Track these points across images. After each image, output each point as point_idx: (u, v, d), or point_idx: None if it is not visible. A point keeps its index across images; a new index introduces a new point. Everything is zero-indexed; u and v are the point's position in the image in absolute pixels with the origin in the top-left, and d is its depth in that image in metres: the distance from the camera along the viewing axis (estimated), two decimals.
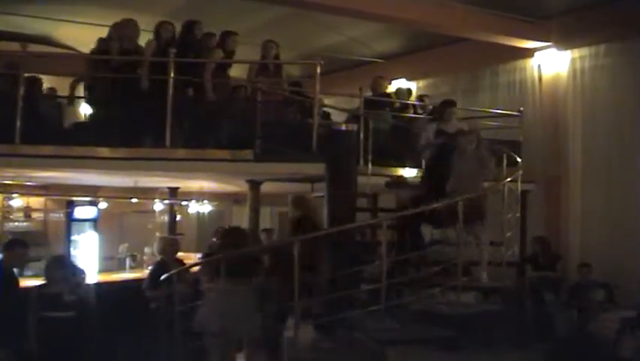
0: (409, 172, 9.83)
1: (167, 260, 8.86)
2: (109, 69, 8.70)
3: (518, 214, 8.96)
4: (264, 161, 8.31)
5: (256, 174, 9.21)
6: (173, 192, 12.59)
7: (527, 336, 10.96)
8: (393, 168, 9.80)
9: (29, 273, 10.10)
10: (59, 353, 7.10)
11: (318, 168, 8.14)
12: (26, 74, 8.65)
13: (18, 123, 7.94)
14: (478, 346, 9.15)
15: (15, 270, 7.70)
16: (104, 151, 8.36)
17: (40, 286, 7.50)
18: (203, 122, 8.64)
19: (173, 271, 8.05)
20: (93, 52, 9.04)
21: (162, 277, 8.26)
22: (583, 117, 12.10)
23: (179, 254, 9.61)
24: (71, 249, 13.10)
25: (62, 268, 7.63)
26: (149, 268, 12.36)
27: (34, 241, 13.60)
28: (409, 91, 12.86)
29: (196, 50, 8.85)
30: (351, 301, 7.29)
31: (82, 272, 9.51)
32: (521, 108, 11.77)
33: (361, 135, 8.91)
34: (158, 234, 14.17)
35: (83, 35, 9.94)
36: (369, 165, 9.00)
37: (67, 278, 7.62)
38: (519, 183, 8.67)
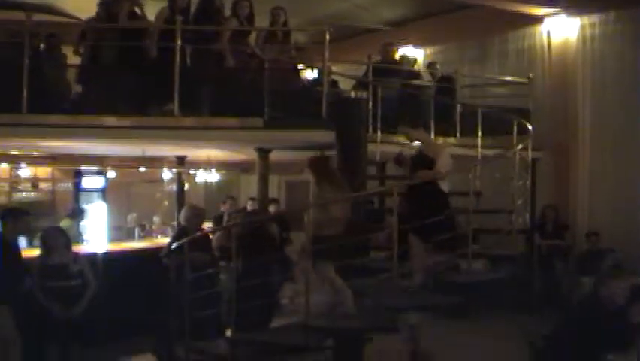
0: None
1: (188, 229, 8.71)
2: (116, 32, 8.61)
3: (529, 182, 8.94)
4: (274, 129, 8.26)
5: (265, 142, 9.17)
6: (181, 161, 12.56)
7: (537, 303, 11.04)
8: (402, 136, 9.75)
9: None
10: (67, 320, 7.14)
11: (327, 136, 8.11)
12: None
13: (24, 92, 7.87)
14: (488, 313, 9.23)
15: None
16: (111, 120, 8.31)
17: (42, 256, 7.47)
18: (216, 91, 8.57)
19: (184, 240, 8.03)
20: (99, 14, 8.93)
21: (173, 246, 8.25)
22: (592, 84, 12.03)
23: None
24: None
25: (62, 237, 7.61)
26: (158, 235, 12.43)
27: (42, 211, 13.66)
28: (414, 60, 12.79)
29: (213, 18, 8.77)
30: (362, 268, 7.28)
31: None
32: (530, 75, 11.70)
33: (370, 103, 8.85)
34: (166, 203, 14.19)
35: (85, 3, 9.81)
36: (379, 133, 8.95)
37: (68, 247, 7.61)
38: (529, 151, 8.62)
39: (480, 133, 9.16)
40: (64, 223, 11.67)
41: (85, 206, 13.05)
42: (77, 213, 11.96)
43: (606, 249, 11.09)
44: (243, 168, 14.68)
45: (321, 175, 7.59)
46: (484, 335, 9.00)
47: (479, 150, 9.07)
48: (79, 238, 11.28)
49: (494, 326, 9.14)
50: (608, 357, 5.81)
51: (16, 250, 7.59)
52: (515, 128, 9.14)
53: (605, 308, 6.15)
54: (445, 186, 7.41)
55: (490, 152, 8.92)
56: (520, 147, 8.15)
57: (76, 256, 7.68)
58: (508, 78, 12.10)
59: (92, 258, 8.65)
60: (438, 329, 9.04)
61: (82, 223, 11.93)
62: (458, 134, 10.14)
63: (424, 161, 7.45)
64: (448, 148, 7.38)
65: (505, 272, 8.56)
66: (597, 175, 11.97)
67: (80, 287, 7.43)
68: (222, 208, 11.24)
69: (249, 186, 13.66)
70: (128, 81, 8.51)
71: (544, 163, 11.85)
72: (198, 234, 8.29)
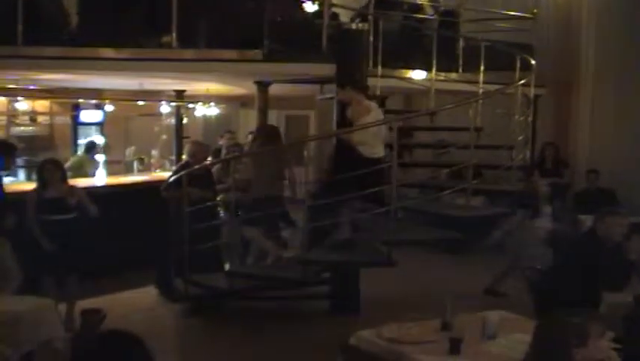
0: (419, 74, 9.65)
1: (191, 164, 8.61)
2: None
3: (530, 119, 8.87)
4: (273, 61, 8.14)
5: (264, 75, 9.06)
6: (180, 94, 12.46)
7: None
8: (404, 70, 9.63)
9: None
10: (63, 253, 7.14)
11: (327, 69, 8.02)
12: None
13: (20, 23, 7.72)
14: (485, 249, 9.25)
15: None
16: (109, 52, 8.19)
17: (37, 190, 7.40)
18: (214, 22, 8.43)
19: (180, 173, 8.01)
20: None
21: (170, 179, 8.23)
22: (597, 20, 11.87)
23: None
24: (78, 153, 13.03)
25: (58, 170, 7.53)
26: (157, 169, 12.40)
27: (41, 145, 13.60)
28: None
29: None
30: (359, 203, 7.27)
31: None
32: (535, 10, 11.48)
33: (371, 36, 8.70)
34: (164, 137, 14.11)
35: None
36: (379, 67, 8.82)
37: (65, 180, 7.55)
38: (532, 87, 8.53)
39: (482, 68, 9.04)
40: (77, 158, 11.62)
41: (96, 140, 12.94)
42: (91, 148, 11.92)
43: (605, 187, 11.09)
44: (243, 102, 14.58)
45: (269, 140, 7.80)
46: (481, 271, 9.03)
47: (480, 85, 8.96)
48: (94, 172, 11.25)
49: (491, 262, 9.15)
50: (605, 294, 5.82)
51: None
52: (518, 63, 9.01)
53: (602, 245, 6.15)
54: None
55: (492, 87, 8.81)
56: (521, 82, 8.06)
57: (73, 189, 7.61)
58: (512, 13, 11.87)
59: (89, 191, 8.61)
60: (434, 264, 9.09)
61: (96, 157, 11.86)
62: (460, 69, 10.00)
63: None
64: (372, 114, 7.27)
65: (503, 208, 8.58)
66: (599, 113, 11.90)
67: (76, 220, 7.40)
68: (220, 142, 11.17)
69: (248, 120, 13.58)
70: (126, 12, 8.37)
71: (546, 100, 11.75)
72: (197, 167, 8.25)
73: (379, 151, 7.21)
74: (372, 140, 7.11)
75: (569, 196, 11.74)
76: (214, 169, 9.17)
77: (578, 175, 11.91)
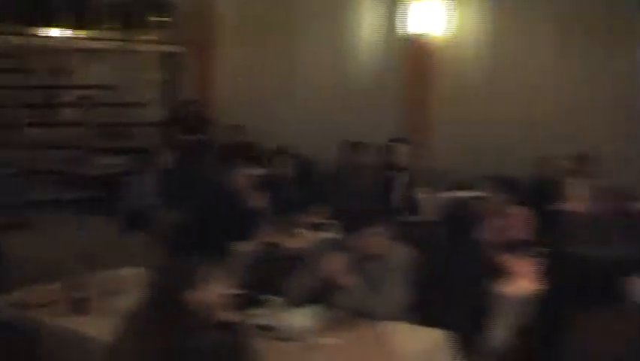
0: (43, 32, 9.16)
1: None
2: None
3: (165, 77, 8.89)
4: None
5: None
6: None
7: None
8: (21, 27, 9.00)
9: None
10: None
11: None
12: None
13: None
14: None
15: None
16: None
17: None
18: None
19: None
20: None
21: None
22: None
23: None
24: None
25: None
26: None
27: None
28: None
29: None
30: None
31: None
32: None
33: None
34: None
35: None
36: None
37: None
38: (165, 45, 8.55)
39: (111, 26, 8.85)
40: None
41: None
42: None
43: (250, 141, 11.46)
44: None
45: None
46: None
47: (114, 43, 8.81)
48: None
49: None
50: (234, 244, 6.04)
51: None
52: (154, 21, 8.96)
53: (229, 196, 6.38)
54: None
55: (127, 46, 8.72)
56: (145, 38, 8.02)
57: None
58: None
59: None
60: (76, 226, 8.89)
61: None
62: (95, 27, 9.69)
63: None
64: None
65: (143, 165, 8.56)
66: (242, 69, 12.12)
67: None
68: None
69: None
70: None
71: (188, 58, 11.79)
72: None
73: None
74: None
75: (214, 151, 11.96)
76: None
77: (225, 131, 12.06)
